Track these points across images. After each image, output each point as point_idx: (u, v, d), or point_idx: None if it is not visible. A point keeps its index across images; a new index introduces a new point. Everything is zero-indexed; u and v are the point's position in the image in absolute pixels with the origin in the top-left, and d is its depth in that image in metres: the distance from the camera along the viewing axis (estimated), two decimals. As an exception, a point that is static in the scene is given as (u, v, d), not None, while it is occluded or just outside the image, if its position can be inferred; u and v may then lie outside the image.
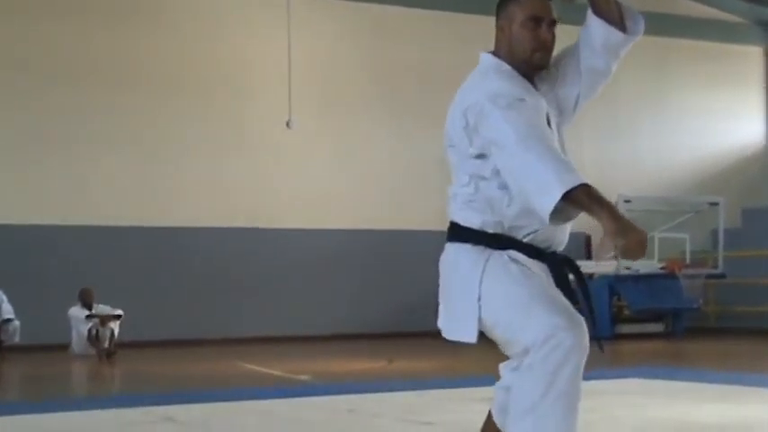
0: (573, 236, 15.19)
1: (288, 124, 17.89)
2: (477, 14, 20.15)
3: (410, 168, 19.49)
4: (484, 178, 3.57)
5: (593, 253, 19.50)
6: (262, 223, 18.50)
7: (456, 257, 3.72)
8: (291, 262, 18.57)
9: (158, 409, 7.96)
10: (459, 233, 3.70)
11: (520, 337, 3.44)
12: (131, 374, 12.81)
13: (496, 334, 3.58)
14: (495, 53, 3.76)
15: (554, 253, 3.69)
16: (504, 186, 3.53)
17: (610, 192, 18.71)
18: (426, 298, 19.45)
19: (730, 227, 20.21)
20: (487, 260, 3.58)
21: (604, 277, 17.48)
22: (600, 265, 18.50)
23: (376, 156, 19.39)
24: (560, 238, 3.73)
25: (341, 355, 14.63)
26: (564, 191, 3.27)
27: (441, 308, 3.87)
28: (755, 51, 23.33)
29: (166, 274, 17.77)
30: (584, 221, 14.34)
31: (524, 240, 3.62)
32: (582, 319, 3.46)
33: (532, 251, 3.62)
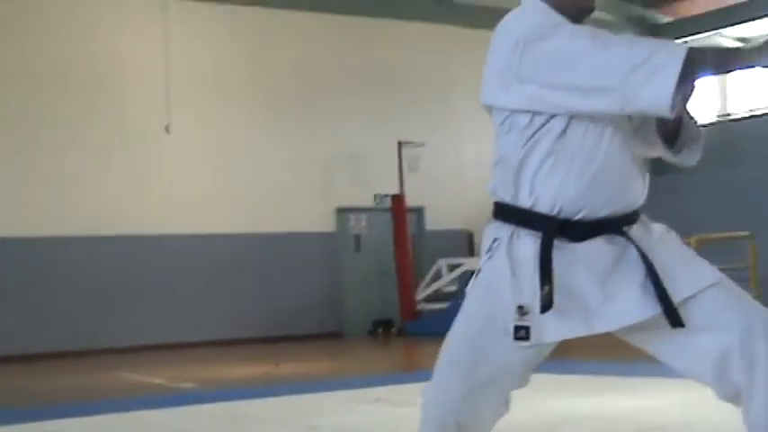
0: (454, 234, 15.22)
1: (167, 129, 17.61)
2: (356, 16, 20.23)
3: (293, 170, 19.36)
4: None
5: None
6: (144, 230, 18.17)
7: None
8: (175, 268, 18.29)
9: (32, 425, 7.68)
10: None
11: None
12: (4, 390, 12.40)
13: None
14: None
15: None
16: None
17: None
18: (312, 300, 19.49)
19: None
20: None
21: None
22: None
23: (258, 159, 19.21)
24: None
25: (227, 361, 14.45)
26: (682, 57, 2.77)
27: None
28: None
29: (45, 285, 17.28)
30: (464, 218, 14.26)
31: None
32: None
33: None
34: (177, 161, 18.46)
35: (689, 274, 3.03)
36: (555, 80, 2.93)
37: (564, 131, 3.01)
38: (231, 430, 7.25)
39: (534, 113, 3.01)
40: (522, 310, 3.01)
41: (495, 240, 3.13)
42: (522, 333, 3.00)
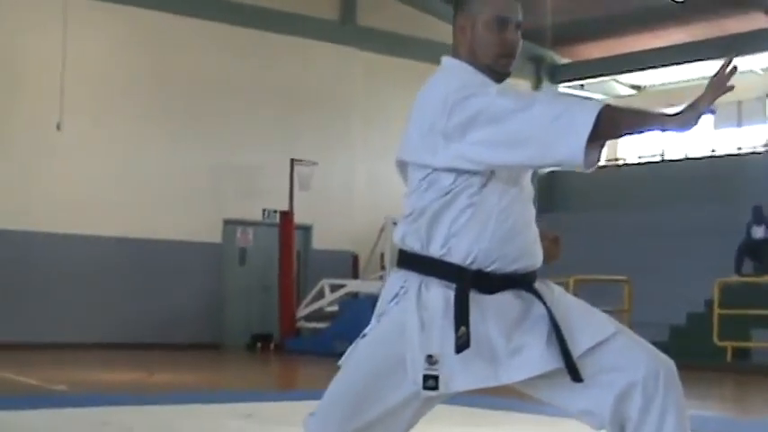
0: (340, 254, 15.32)
1: (58, 126, 17.37)
2: (260, 30, 20.24)
3: (184, 178, 19.26)
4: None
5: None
6: (30, 226, 17.87)
7: None
8: (57, 267, 18.01)
9: None
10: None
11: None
12: None
13: None
14: (455, 55, 3.25)
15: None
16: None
17: (380, 213, 19.09)
18: (193, 310, 19.35)
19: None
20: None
21: (368, 296, 17.68)
22: (364, 285, 18.77)
23: (148, 164, 19.05)
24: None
25: (103, 365, 14.28)
26: (595, 113, 2.87)
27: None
28: (524, 85, 24.22)
29: None
30: (351, 240, 14.40)
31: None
32: None
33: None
34: (66, 160, 18.21)
35: (590, 327, 3.13)
36: (481, 136, 3.00)
37: (483, 186, 3.09)
38: (98, 436, 7.20)
39: (458, 172, 3.07)
40: (431, 360, 3.03)
41: (401, 287, 3.15)
42: (431, 382, 3.03)
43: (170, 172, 19.20)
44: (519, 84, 24.05)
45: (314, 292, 19.41)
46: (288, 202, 19.45)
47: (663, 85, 25.68)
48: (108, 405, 8.80)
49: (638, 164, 24.50)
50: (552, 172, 24.62)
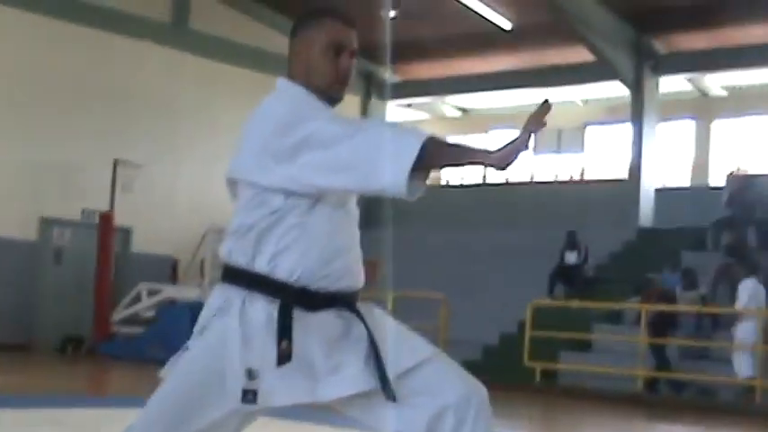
0: (159, 259, 15.13)
1: None
2: (90, 27, 19.86)
3: (1, 173, 18.68)
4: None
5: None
6: None
7: None
8: None
9: None
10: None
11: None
12: None
13: None
14: (290, 78, 3.30)
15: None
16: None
17: (201, 219, 18.95)
18: (1, 308, 18.67)
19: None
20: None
21: (186, 303, 17.48)
22: (182, 291, 18.58)
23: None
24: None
25: None
26: (420, 144, 2.95)
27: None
28: (353, 100, 24.40)
29: None
30: (172, 245, 14.25)
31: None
32: None
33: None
34: None
35: (407, 348, 3.22)
36: (310, 160, 3.05)
37: (311, 207, 3.15)
38: None
39: (288, 193, 3.12)
40: (251, 374, 3.06)
41: (225, 301, 3.18)
42: (249, 397, 3.06)
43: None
44: (347, 98, 24.21)
45: (131, 296, 19.09)
46: (109, 203, 19.08)
47: (488, 109, 26.34)
48: None
49: (461, 186, 25.00)
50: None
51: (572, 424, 13.19)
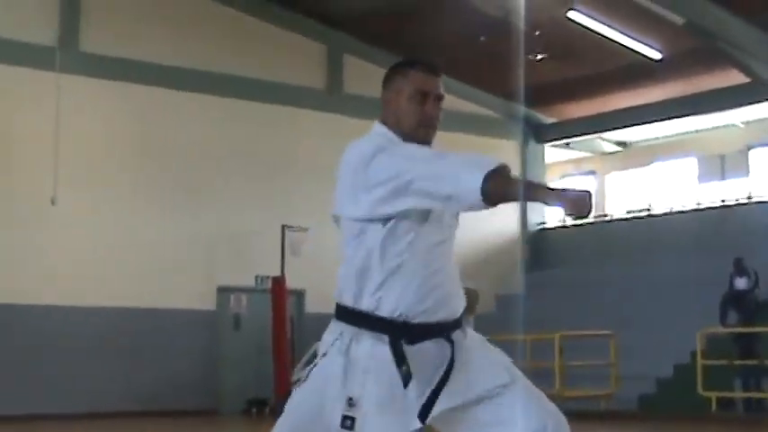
0: (332, 318, 15.28)
1: (53, 201, 17.81)
2: (248, 101, 20.74)
3: (176, 248, 19.62)
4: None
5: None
6: (23, 299, 18.18)
7: None
8: (56, 339, 18.19)
9: None
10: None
11: None
12: None
13: None
14: (383, 123, 3.69)
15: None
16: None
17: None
18: (189, 376, 19.50)
19: (485, 312, 21.10)
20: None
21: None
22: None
23: (142, 234, 19.40)
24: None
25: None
26: (493, 166, 3.26)
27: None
28: (511, 145, 24.65)
29: None
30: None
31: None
32: None
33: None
34: (61, 233, 18.57)
35: (485, 374, 3.48)
36: (398, 181, 3.40)
37: (410, 244, 3.46)
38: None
39: (383, 222, 3.46)
40: (350, 402, 3.36)
41: (339, 335, 3.50)
42: (348, 423, 3.35)
43: (163, 242, 19.56)
44: (506, 144, 24.52)
45: (307, 355, 19.60)
46: (279, 268, 19.77)
47: (648, 140, 26.12)
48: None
49: (624, 219, 24.84)
50: (541, 230, 25.00)
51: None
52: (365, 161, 3.46)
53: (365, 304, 3.47)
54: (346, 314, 3.53)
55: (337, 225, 3.65)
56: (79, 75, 19.00)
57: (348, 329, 3.49)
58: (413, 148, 3.47)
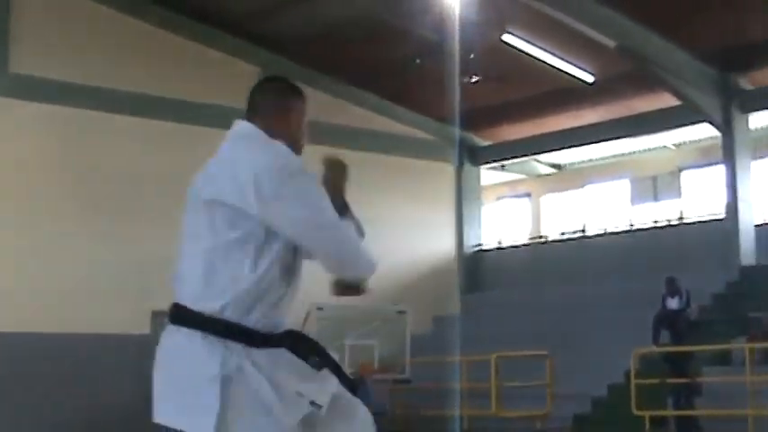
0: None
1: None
2: (185, 124, 20.62)
3: (108, 271, 19.41)
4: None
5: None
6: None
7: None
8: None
9: None
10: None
11: None
12: None
13: None
14: (262, 126, 3.90)
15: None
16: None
17: (306, 299, 19.34)
18: (120, 403, 19.27)
19: (421, 332, 21.19)
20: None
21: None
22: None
23: (73, 258, 19.18)
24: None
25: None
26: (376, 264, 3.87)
27: None
28: (446, 168, 24.80)
29: None
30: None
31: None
32: None
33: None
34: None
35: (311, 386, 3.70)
36: (301, 214, 3.66)
37: (291, 264, 3.75)
38: None
39: (260, 251, 3.67)
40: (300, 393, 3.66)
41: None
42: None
43: (96, 266, 19.33)
44: (441, 167, 24.66)
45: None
46: (216, 291, 19.61)
47: (582, 162, 26.43)
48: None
49: (559, 240, 25.07)
50: (477, 251, 25.12)
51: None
52: (281, 178, 3.64)
53: (249, 322, 3.78)
54: (231, 330, 3.71)
55: (204, 209, 3.78)
56: (8, 97, 18.79)
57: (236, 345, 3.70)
58: (323, 201, 3.73)
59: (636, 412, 16.38)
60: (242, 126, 3.94)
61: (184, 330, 3.69)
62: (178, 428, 3.62)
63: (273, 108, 3.95)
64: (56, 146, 19.44)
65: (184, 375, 3.62)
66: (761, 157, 22.16)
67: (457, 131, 23.89)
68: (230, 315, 3.62)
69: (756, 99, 21.01)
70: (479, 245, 25.30)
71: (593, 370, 18.17)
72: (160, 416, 3.66)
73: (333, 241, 3.73)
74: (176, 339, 3.71)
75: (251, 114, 3.94)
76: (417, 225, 24.03)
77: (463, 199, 25.03)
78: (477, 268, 24.85)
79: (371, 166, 23.31)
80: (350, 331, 18.97)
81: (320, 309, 18.05)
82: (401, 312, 19.46)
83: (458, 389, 18.56)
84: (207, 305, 3.66)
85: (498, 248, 25.61)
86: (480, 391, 17.82)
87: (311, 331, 18.69)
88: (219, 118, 20.74)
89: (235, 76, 21.53)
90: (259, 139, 3.82)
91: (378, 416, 16.40)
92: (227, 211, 3.66)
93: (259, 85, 4.09)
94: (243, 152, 3.76)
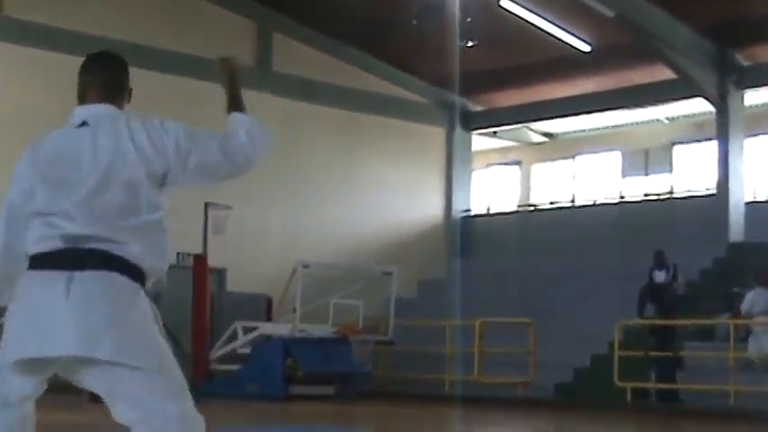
0: (253, 297, 15.40)
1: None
2: (163, 72, 20.41)
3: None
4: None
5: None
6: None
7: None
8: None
9: None
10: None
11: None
12: None
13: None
14: (117, 106, 4.05)
15: None
16: None
17: (293, 257, 19.32)
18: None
19: (406, 296, 21.18)
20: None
21: (280, 338, 17.87)
22: (277, 327, 18.93)
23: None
24: None
25: None
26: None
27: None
28: (438, 131, 24.71)
29: None
30: (265, 283, 14.53)
31: None
32: None
33: None
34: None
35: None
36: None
37: None
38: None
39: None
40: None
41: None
42: None
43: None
44: (433, 131, 24.56)
45: (227, 334, 19.49)
46: (202, 246, 19.56)
47: (574, 132, 26.35)
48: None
49: (548, 209, 25.03)
50: (466, 218, 25.07)
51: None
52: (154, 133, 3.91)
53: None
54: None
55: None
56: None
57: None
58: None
59: (618, 383, 16.42)
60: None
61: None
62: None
63: (120, 84, 4.25)
64: (43, 92, 19.24)
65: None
66: (754, 135, 22.11)
67: (456, 96, 23.77)
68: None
69: (753, 76, 20.93)
70: (468, 210, 25.25)
71: (577, 340, 18.18)
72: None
73: None
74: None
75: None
76: (407, 188, 23.96)
77: (453, 164, 24.95)
78: (464, 234, 24.79)
79: (363, 127, 23.24)
80: (335, 290, 18.95)
81: (306, 266, 18.02)
82: (387, 273, 19.44)
83: (441, 353, 18.57)
84: None
85: (487, 215, 25.56)
86: (464, 355, 17.82)
87: (296, 288, 18.79)
88: (210, 72, 20.84)
89: (230, 30, 21.42)
90: None
91: (360, 376, 16.49)
92: None
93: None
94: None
